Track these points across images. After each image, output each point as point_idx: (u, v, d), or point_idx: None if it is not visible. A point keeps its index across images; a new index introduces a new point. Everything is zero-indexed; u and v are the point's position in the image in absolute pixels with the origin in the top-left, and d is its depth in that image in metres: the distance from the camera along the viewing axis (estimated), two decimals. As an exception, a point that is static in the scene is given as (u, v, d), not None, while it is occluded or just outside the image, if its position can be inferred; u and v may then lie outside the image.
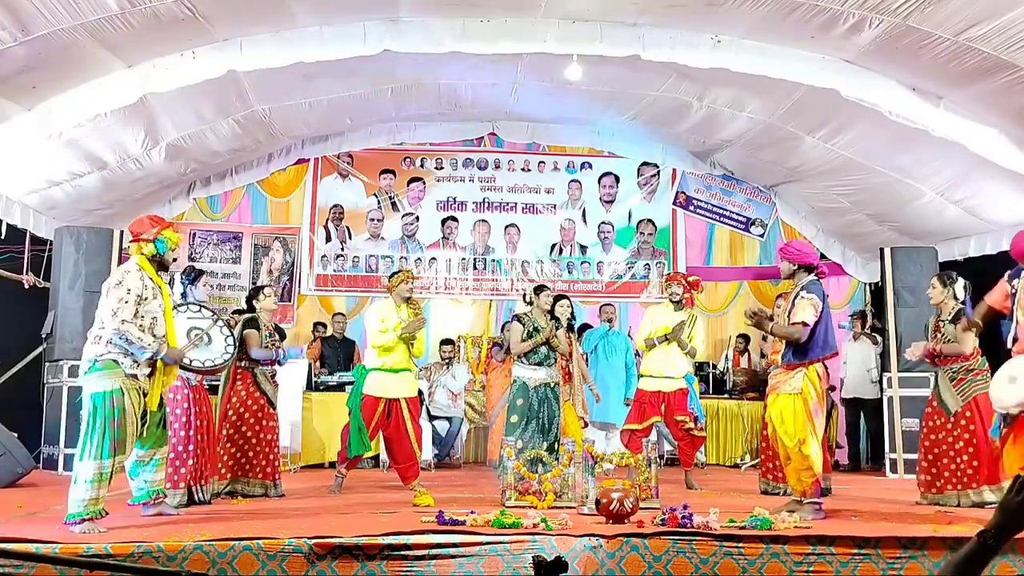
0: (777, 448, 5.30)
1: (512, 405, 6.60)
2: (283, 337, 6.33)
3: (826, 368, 5.11)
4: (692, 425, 6.77)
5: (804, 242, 5.39)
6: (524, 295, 7.05)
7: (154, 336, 4.42)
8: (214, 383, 6.51)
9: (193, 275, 5.53)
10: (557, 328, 6.65)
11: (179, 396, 5.26)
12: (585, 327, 8.70)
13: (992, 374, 5.49)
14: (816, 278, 5.11)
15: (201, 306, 5.24)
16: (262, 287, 6.34)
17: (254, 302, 6.11)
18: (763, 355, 9.37)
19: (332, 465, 7.16)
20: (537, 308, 6.65)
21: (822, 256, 10.47)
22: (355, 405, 6.40)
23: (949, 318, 5.69)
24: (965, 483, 5.47)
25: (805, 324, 4.92)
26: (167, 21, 6.29)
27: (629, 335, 9.72)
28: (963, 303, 5.67)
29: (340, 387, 8.38)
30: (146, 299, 4.40)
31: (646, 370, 6.85)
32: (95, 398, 4.28)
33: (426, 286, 10.48)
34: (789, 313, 5.09)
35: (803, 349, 5.01)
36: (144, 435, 4.50)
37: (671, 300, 6.86)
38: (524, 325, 6.60)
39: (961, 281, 5.77)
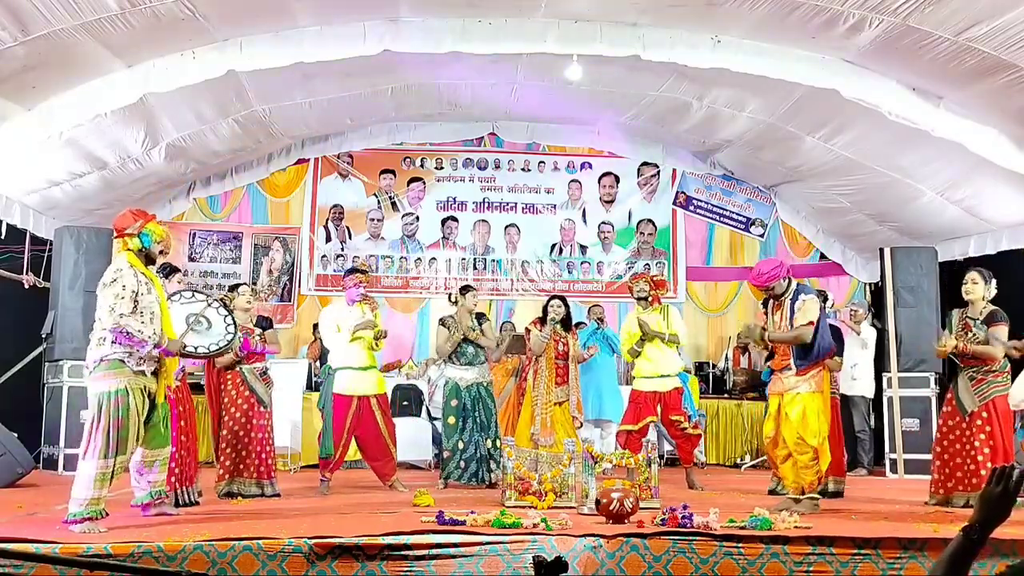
0: (777, 449, 5.31)
1: (447, 407, 6.73)
2: (267, 327, 6.23)
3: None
4: (687, 424, 6.79)
5: (770, 259, 5.47)
6: (450, 295, 7.10)
7: (154, 330, 4.42)
8: (200, 382, 6.49)
9: (167, 271, 5.51)
10: (482, 324, 6.77)
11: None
12: (579, 325, 8.72)
13: (1013, 377, 5.49)
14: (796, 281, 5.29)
15: (194, 291, 5.24)
16: (237, 286, 6.23)
17: (227, 301, 6.02)
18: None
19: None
20: (463, 308, 6.75)
21: (822, 256, 10.54)
22: (326, 406, 6.46)
23: (981, 318, 5.48)
24: (975, 484, 5.40)
25: (811, 323, 5.01)
26: (167, 21, 6.28)
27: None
28: (994, 304, 5.53)
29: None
30: (142, 294, 4.39)
31: (641, 371, 6.85)
32: (100, 398, 4.28)
33: (426, 286, 10.50)
34: (791, 319, 5.15)
35: (809, 351, 5.07)
36: (149, 435, 4.49)
37: (637, 299, 6.87)
38: (448, 328, 6.72)
39: (994, 280, 5.60)
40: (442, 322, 6.86)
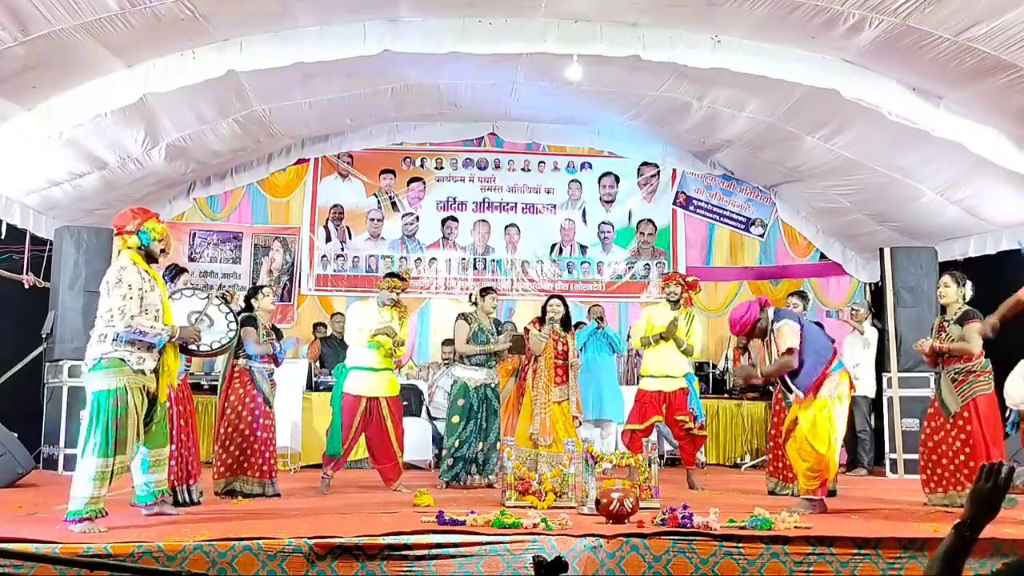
0: (787, 450, 5.33)
1: (452, 406, 6.75)
2: (280, 338, 6.33)
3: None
4: (692, 425, 6.79)
5: (738, 306, 5.47)
6: (470, 296, 7.11)
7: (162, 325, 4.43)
8: (212, 383, 6.49)
9: (173, 272, 5.51)
10: (500, 332, 6.80)
11: None
12: (579, 325, 8.73)
13: (994, 376, 5.51)
14: (773, 308, 5.32)
15: (195, 289, 5.25)
16: (261, 287, 6.32)
17: (252, 301, 6.10)
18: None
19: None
20: (481, 310, 6.76)
21: (822, 256, 10.53)
22: (336, 404, 6.46)
23: (955, 318, 5.54)
24: (962, 484, 5.42)
25: (791, 350, 5.05)
26: (167, 21, 6.28)
27: (629, 336, 9.75)
28: (969, 304, 5.59)
29: (340, 387, 8.38)
30: (146, 292, 4.40)
31: (647, 370, 6.87)
32: (99, 396, 4.27)
33: (426, 286, 10.50)
34: (776, 348, 5.22)
35: (801, 374, 5.12)
36: (149, 435, 4.49)
37: (668, 300, 6.88)
38: (469, 324, 6.71)
39: (969, 283, 5.65)
40: (464, 317, 6.85)
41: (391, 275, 6.66)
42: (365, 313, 6.50)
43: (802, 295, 6.89)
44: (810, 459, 5.07)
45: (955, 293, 5.60)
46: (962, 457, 5.42)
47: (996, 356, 5.59)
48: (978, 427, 5.38)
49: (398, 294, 6.52)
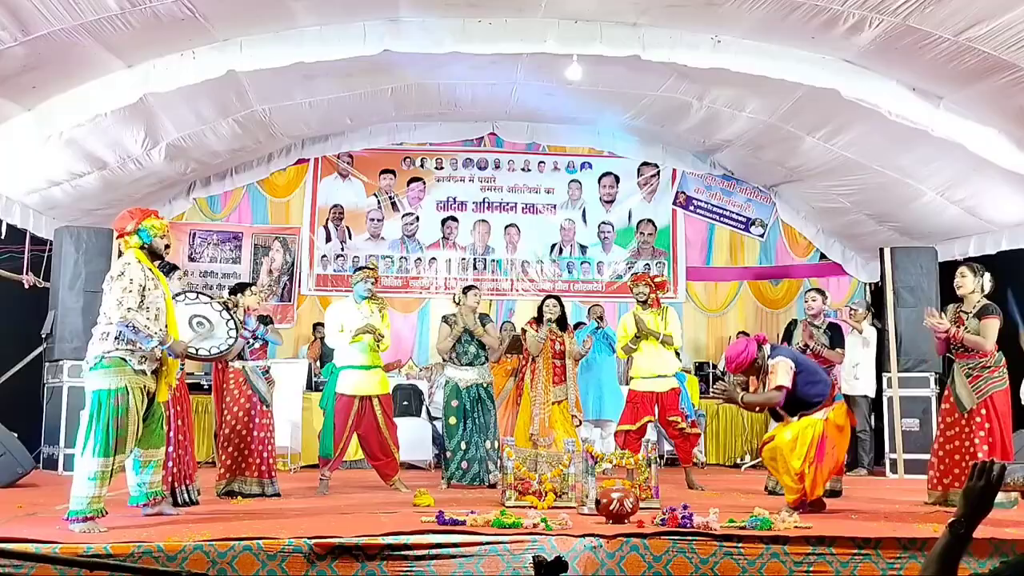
0: (762, 454, 5.35)
1: (447, 407, 6.75)
2: (267, 323, 6.24)
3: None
4: (684, 424, 6.80)
5: (735, 343, 5.48)
6: (454, 296, 7.13)
7: (160, 328, 4.43)
8: (200, 382, 6.45)
9: (166, 269, 5.50)
10: (485, 325, 6.78)
11: None
12: (579, 325, 8.75)
13: (1010, 372, 5.49)
14: (770, 345, 5.32)
15: (199, 293, 5.26)
16: (250, 284, 6.26)
17: (238, 296, 6.03)
18: None
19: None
20: (465, 307, 6.77)
21: (822, 256, 10.53)
22: (328, 405, 6.46)
23: (973, 311, 5.45)
24: None
25: (780, 388, 5.05)
26: (167, 21, 6.29)
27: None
28: (988, 297, 5.52)
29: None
30: (149, 290, 4.41)
31: (638, 371, 6.87)
32: (99, 395, 4.27)
33: (426, 286, 10.50)
34: (766, 381, 5.23)
35: (797, 406, 5.14)
36: (145, 435, 4.49)
37: (638, 300, 6.88)
38: (451, 326, 6.72)
39: (988, 274, 5.57)
40: (445, 319, 6.87)
41: (360, 268, 6.68)
42: (344, 313, 6.46)
43: (821, 292, 6.86)
44: (781, 467, 5.09)
45: (972, 283, 5.52)
46: (980, 455, 5.35)
47: (1006, 348, 5.58)
48: (997, 425, 5.36)
49: (373, 283, 6.51)
